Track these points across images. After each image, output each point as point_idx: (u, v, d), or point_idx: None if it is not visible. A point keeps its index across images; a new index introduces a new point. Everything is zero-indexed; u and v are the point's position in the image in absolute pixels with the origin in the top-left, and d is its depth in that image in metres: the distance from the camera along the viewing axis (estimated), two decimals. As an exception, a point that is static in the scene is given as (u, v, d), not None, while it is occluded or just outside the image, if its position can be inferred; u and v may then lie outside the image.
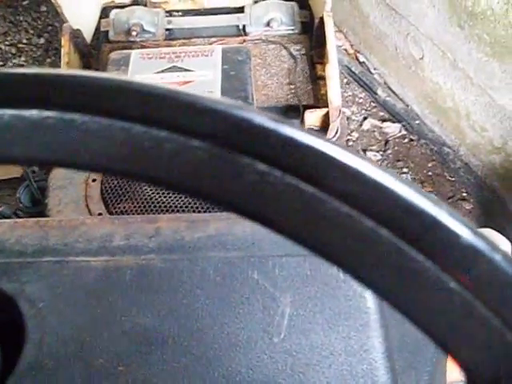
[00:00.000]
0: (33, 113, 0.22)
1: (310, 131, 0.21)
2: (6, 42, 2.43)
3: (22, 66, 2.35)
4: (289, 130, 0.21)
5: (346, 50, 2.29)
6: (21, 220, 0.62)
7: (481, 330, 0.20)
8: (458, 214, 0.21)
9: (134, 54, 1.33)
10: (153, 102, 0.22)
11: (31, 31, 2.46)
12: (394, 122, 2.09)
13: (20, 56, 2.38)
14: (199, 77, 1.24)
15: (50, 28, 2.47)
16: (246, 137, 0.21)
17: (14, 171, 1.64)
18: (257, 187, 0.21)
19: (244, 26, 1.64)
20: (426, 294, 0.20)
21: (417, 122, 2.05)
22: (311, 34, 1.61)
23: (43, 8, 2.51)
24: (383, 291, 0.21)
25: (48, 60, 2.37)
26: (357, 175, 0.20)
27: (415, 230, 0.20)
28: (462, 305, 0.20)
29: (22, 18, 2.50)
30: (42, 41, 2.43)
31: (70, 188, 1.10)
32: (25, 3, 2.54)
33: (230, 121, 0.21)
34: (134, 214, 1.03)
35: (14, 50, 2.40)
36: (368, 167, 0.20)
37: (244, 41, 1.61)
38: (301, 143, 0.21)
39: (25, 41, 2.43)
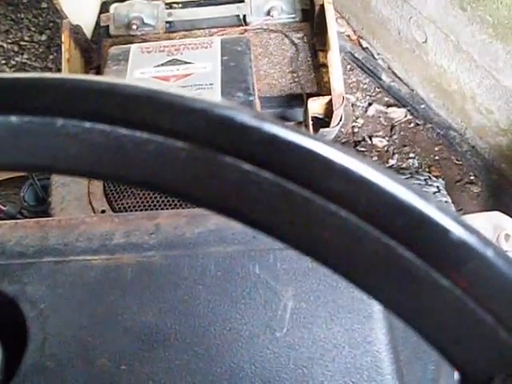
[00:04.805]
0: (12, 118, 0.22)
1: (294, 127, 0.21)
2: (8, 40, 2.43)
3: (24, 63, 2.35)
4: (271, 128, 0.20)
5: (348, 35, 2.27)
6: (21, 221, 0.62)
7: (473, 327, 0.19)
8: (449, 209, 0.20)
9: (134, 48, 1.32)
10: (132, 103, 0.21)
11: (33, 28, 2.46)
12: (399, 107, 2.08)
13: (22, 54, 2.38)
14: (199, 69, 1.23)
15: (51, 24, 2.46)
16: (227, 136, 0.20)
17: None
18: (240, 187, 0.21)
19: (244, 16, 1.63)
20: (416, 292, 0.20)
21: (422, 106, 2.04)
22: (312, 21, 1.60)
23: (44, 5, 2.51)
24: (372, 290, 0.20)
25: (50, 56, 2.37)
26: (342, 171, 0.20)
27: (403, 226, 0.19)
28: (454, 302, 0.19)
29: (23, 16, 2.49)
30: (43, 38, 2.42)
31: (72, 185, 1.09)
32: (25, 0, 2.53)
33: (210, 120, 0.20)
34: (137, 210, 1.02)
35: (16, 48, 2.40)
36: (353, 163, 0.20)
37: (245, 30, 1.60)
38: (284, 141, 0.20)
39: (27, 38, 2.43)
